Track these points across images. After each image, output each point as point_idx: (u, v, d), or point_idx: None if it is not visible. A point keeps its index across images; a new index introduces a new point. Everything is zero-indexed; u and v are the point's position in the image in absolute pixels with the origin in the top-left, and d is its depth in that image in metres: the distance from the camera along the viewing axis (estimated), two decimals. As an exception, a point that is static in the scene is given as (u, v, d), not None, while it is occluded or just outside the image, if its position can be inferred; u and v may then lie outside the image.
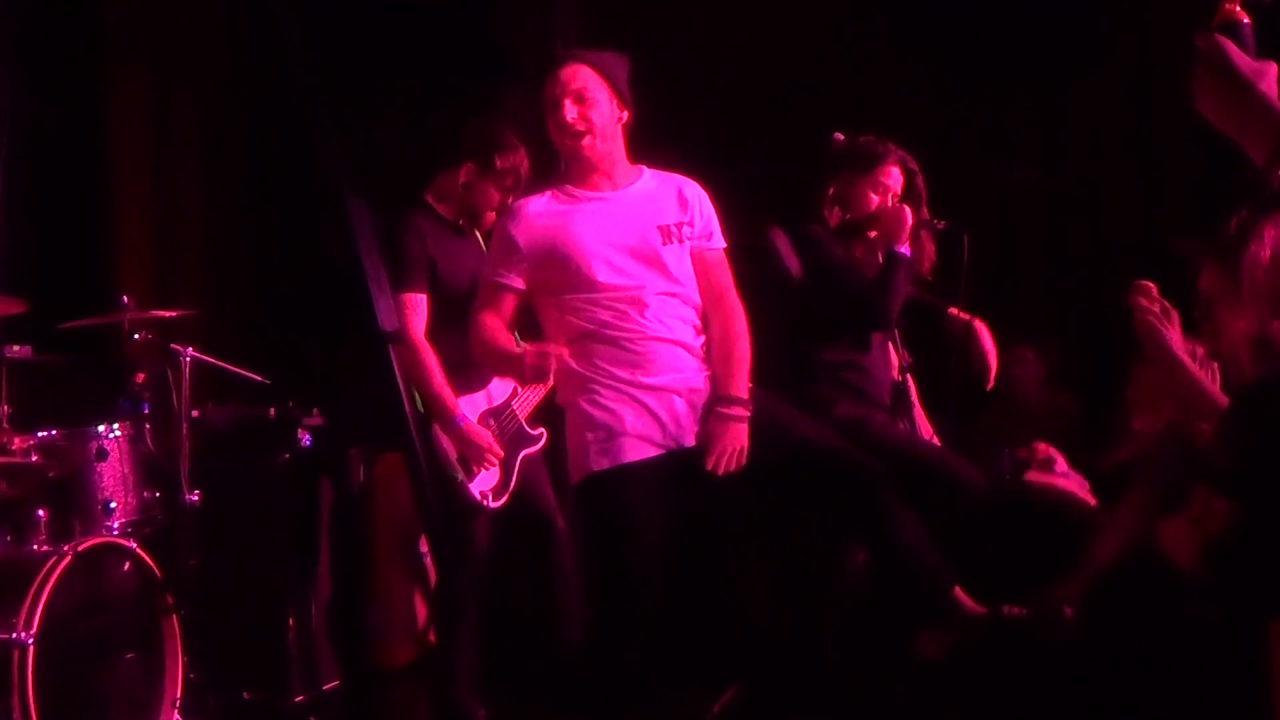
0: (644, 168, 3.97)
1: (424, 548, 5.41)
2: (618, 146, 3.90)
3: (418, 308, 4.52)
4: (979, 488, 4.38)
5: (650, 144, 4.41)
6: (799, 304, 4.59)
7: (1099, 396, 5.73)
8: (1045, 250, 6.64)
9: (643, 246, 3.82)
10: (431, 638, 5.21)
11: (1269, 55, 1.94)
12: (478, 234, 4.76)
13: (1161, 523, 2.99)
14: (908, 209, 4.47)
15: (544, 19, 6.35)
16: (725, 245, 3.94)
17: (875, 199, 4.56)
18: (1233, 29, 1.91)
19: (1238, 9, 1.94)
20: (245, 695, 4.65)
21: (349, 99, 6.29)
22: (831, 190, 4.64)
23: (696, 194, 3.94)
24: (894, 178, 4.58)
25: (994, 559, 4.63)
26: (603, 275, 3.79)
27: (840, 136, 4.69)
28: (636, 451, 3.72)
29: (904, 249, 4.44)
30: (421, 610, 5.64)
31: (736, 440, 3.69)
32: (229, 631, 4.72)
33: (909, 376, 4.69)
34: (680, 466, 3.73)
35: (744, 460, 3.69)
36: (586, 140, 3.82)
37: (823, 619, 4.56)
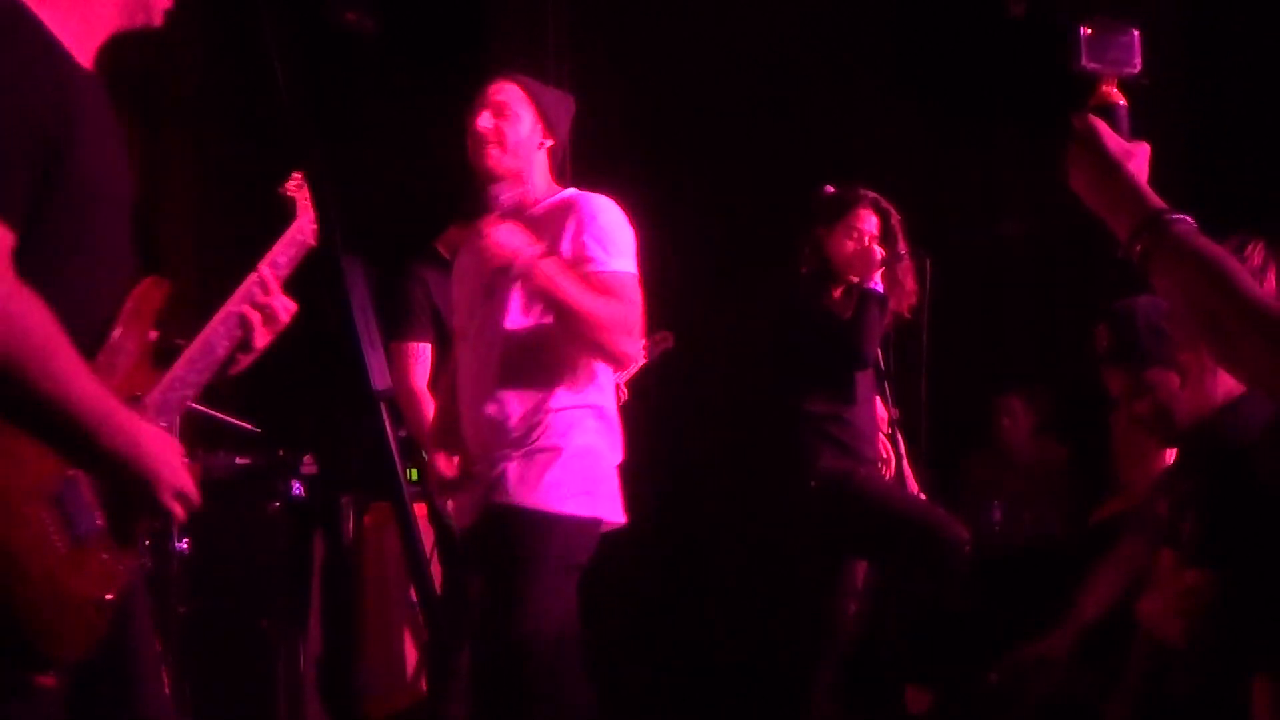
0: (567, 190, 3.65)
1: (415, 597, 5.40)
2: (531, 168, 3.61)
3: (420, 357, 4.54)
4: (963, 542, 4.39)
5: (633, 170, 4.39)
6: (779, 356, 4.62)
7: (1089, 447, 5.73)
8: (1034, 300, 6.66)
9: (489, 280, 3.50)
10: (423, 687, 5.19)
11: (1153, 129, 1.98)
12: None
13: (1141, 601, 2.98)
14: (877, 248, 4.50)
15: (537, 52, 6.39)
16: (621, 269, 3.45)
17: (851, 245, 4.59)
18: (1108, 110, 1.97)
19: (1114, 91, 1.99)
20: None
21: (340, 141, 6.32)
22: (809, 243, 4.66)
23: (581, 212, 3.50)
24: (867, 221, 4.60)
25: (980, 612, 4.64)
26: (457, 317, 3.68)
27: (830, 189, 4.73)
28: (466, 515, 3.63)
29: (876, 285, 4.46)
30: (413, 659, 5.62)
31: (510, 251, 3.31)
32: (217, 680, 4.70)
33: (898, 430, 4.70)
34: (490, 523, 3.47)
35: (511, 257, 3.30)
36: (492, 150, 3.56)
37: (816, 666, 4.56)
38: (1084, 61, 1.99)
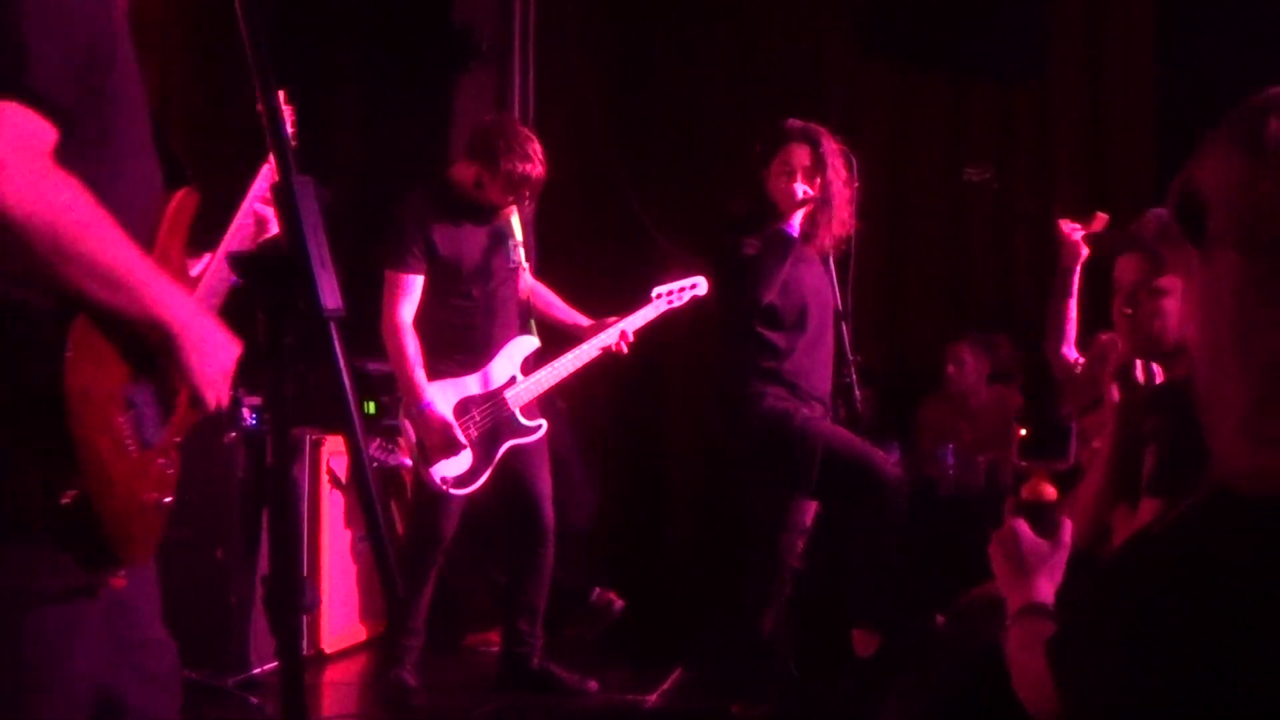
0: None
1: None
2: None
3: (409, 289, 4.49)
4: (901, 482, 4.42)
5: (604, 132, 4.37)
6: (721, 299, 4.59)
7: (1044, 391, 5.78)
8: (995, 247, 6.70)
9: None
10: (380, 619, 5.20)
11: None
12: (515, 219, 4.74)
13: (1116, 514, 2.97)
14: (794, 187, 4.43)
15: (503, 3, 6.35)
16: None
17: (784, 182, 4.49)
18: (1036, 509, 2.02)
19: (1044, 486, 2.04)
20: (186, 673, 4.62)
21: (307, 77, 6.28)
22: (749, 187, 4.60)
23: None
24: (797, 154, 4.50)
25: (929, 556, 4.68)
26: None
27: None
28: None
29: (789, 228, 4.41)
30: (369, 591, 5.64)
31: None
32: (171, 609, 4.68)
33: (854, 375, 4.69)
34: None
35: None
36: None
37: (766, 607, 4.59)
38: (1018, 459, 2.11)
